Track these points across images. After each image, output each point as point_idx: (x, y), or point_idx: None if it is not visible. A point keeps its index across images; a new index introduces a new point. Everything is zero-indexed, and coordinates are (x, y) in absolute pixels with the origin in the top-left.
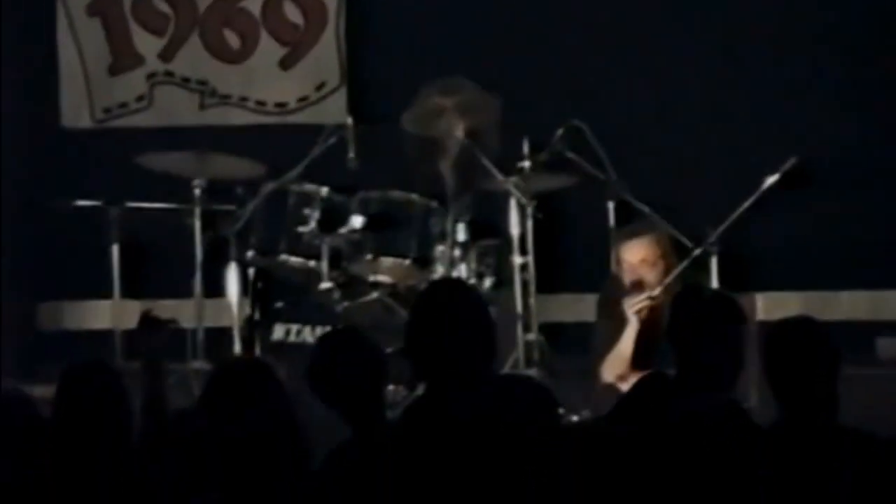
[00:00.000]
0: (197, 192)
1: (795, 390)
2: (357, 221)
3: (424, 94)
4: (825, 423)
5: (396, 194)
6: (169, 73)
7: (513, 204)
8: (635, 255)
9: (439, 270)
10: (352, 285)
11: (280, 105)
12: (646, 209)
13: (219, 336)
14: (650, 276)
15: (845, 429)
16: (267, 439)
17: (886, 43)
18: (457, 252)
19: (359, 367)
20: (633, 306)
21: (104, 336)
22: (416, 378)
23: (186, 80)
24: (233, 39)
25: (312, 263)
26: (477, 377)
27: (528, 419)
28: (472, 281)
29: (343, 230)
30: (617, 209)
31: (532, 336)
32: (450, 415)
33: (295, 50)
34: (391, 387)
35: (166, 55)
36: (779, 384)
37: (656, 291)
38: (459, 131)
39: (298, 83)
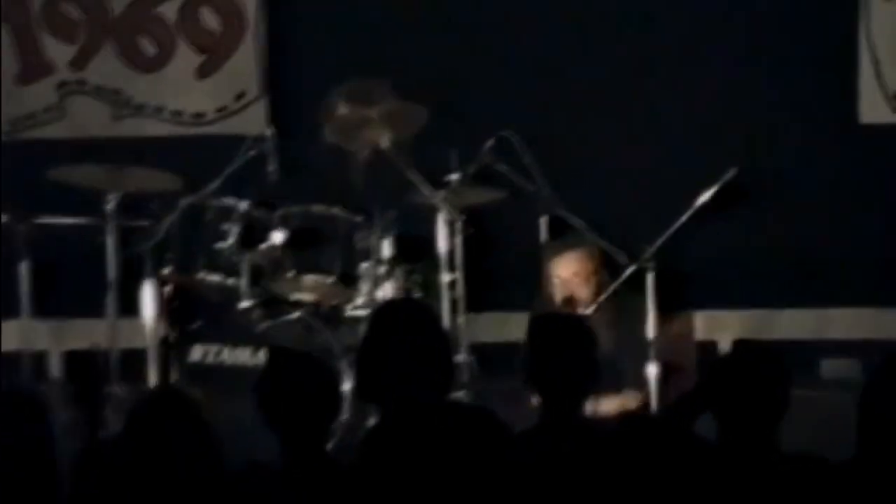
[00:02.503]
0: (110, 206)
1: (739, 413)
2: (278, 237)
3: (340, 101)
4: (765, 446)
5: (319, 209)
6: (81, 82)
7: (441, 219)
8: (567, 270)
9: (364, 288)
10: (273, 304)
11: (197, 115)
12: (579, 224)
13: (134, 358)
14: (582, 292)
15: (787, 454)
16: (187, 474)
17: (827, 49)
18: (382, 269)
19: (314, 394)
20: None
21: (12, 358)
22: (366, 402)
23: (99, 89)
24: (147, 47)
25: (231, 281)
26: (433, 404)
27: (479, 453)
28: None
29: (263, 246)
30: (549, 224)
31: (461, 357)
32: (406, 445)
33: (212, 58)
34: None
35: (78, 63)
36: (722, 405)
37: (590, 310)
38: (385, 142)
39: (217, 92)
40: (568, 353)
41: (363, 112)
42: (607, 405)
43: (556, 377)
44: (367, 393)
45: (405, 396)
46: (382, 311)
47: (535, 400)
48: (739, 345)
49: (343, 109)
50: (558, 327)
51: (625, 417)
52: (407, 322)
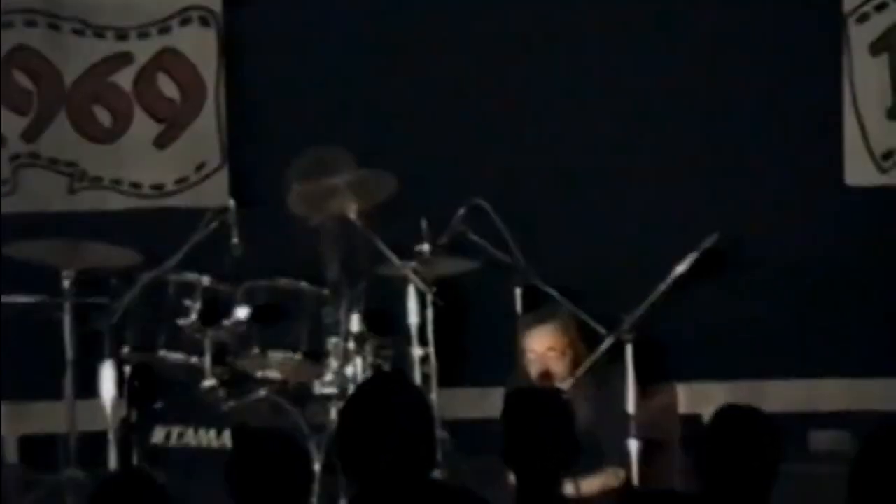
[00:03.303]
0: (67, 283)
1: (730, 482)
2: (242, 313)
3: (295, 179)
4: None
5: (284, 283)
6: (34, 155)
7: (411, 291)
8: (542, 344)
9: (333, 364)
10: (238, 382)
11: (157, 187)
12: (556, 294)
13: (93, 441)
14: (558, 366)
15: None
16: None
17: (811, 109)
18: (351, 345)
19: (286, 475)
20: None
21: None
22: (345, 477)
23: (54, 161)
24: (103, 117)
25: (194, 359)
26: (414, 486)
27: None
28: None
29: (227, 322)
30: (524, 295)
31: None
32: None
33: (171, 127)
34: None
35: (30, 135)
36: (710, 474)
37: (567, 385)
38: (352, 212)
39: (176, 163)
40: (544, 428)
41: (328, 182)
42: (588, 485)
43: (533, 454)
44: (345, 468)
45: (385, 473)
46: (367, 384)
47: (512, 478)
48: (727, 409)
49: (298, 187)
50: (534, 402)
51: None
52: (392, 396)
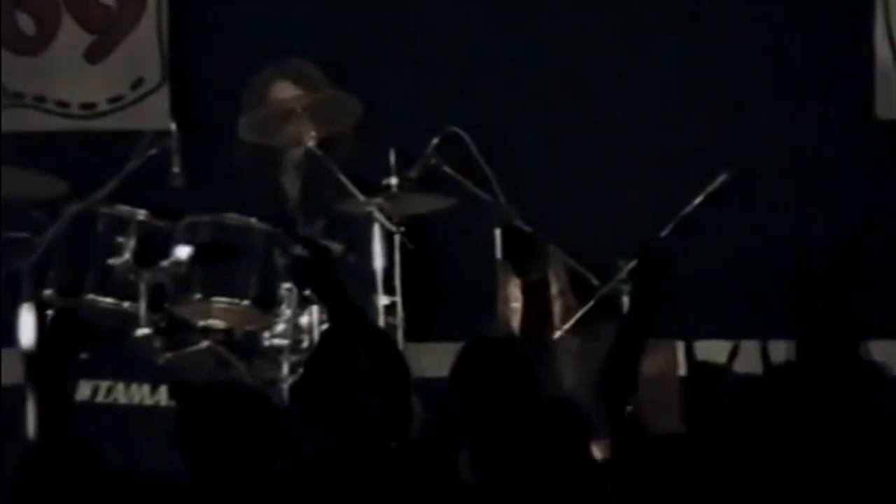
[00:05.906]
0: None
1: None
2: (183, 252)
3: (261, 88)
4: None
5: (232, 219)
6: None
7: (376, 231)
8: None
9: (285, 313)
10: (176, 331)
11: (87, 106)
12: (541, 237)
13: (9, 395)
14: None
15: None
16: None
17: (841, 39)
18: (307, 291)
19: (260, 433)
20: None
21: None
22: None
23: None
24: (27, 25)
25: (127, 304)
26: (383, 444)
27: None
28: (325, 326)
29: (165, 263)
30: (505, 237)
31: None
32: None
33: (105, 38)
34: None
35: None
36: None
37: (553, 338)
38: (311, 140)
39: (110, 79)
40: (494, 383)
41: (287, 103)
42: None
43: (483, 412)
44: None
45: (351, 435)
46: (331, 333)
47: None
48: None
49: (280, 92)
50: (484, 355)
51: None
52: (361, 347)
